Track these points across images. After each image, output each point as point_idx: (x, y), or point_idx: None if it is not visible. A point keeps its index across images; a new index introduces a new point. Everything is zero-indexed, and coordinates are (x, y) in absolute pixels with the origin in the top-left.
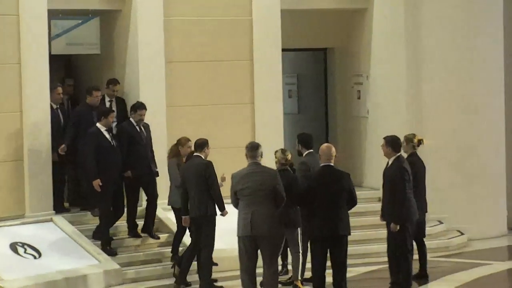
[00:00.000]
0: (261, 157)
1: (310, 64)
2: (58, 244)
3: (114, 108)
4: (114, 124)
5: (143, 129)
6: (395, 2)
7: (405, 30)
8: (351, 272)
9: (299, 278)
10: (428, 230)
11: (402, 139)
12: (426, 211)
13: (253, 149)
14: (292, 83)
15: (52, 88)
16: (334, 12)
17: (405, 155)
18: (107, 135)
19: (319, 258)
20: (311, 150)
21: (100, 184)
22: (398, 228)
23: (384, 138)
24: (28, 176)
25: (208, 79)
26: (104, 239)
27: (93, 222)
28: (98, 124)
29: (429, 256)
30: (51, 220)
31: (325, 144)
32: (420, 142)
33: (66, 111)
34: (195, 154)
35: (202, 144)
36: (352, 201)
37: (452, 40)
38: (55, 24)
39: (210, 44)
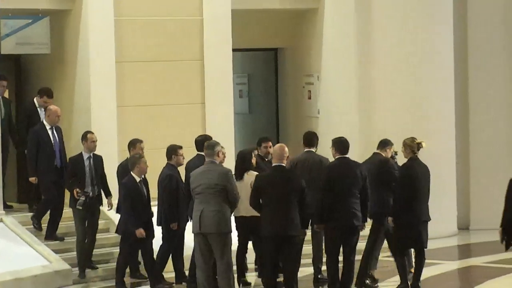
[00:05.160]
0: (219, 156)
1: (261, 64)
2: (7, 244)
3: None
4: None
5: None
6: (345, 2)
7: (356, 30)
8: (302, 272)
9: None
10: None
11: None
12: (427, 219)
13: (209, 147)
14: (243, 83)
15: None
16: (285, 12)
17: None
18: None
19: (269, 259)
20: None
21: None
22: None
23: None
24: None
25: (159, 79)
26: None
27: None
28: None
29: (379, 256)
30: (0, 220)
31: (278, 145)
32: (419, 145)
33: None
34: None
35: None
36: (303, 202)
37: (403, 40)
38: (5, 24)
39: (161, 44)
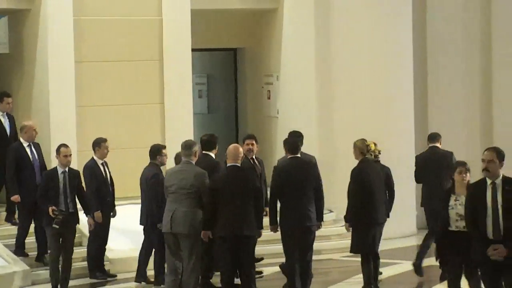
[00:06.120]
0: (195, 156)
1: (220, 64)
2: None
3: None
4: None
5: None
6: (305, 2)
7: (315, 30)
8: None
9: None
10: (338, 230)
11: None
12: (383, 222)
13: (187, 147)
14: (202, 83)
15: None
16: (244, 12)
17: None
18: None
19: (225, 259)
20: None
21: None
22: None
23: None
24: None
25: (118, 79)
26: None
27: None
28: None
29: (338, 256)
30: None
31: (233, 145)
32: (369, 147)
33: None
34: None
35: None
36: (258, 201)
37: (362, 40)
38: None
39: (120, 44)
